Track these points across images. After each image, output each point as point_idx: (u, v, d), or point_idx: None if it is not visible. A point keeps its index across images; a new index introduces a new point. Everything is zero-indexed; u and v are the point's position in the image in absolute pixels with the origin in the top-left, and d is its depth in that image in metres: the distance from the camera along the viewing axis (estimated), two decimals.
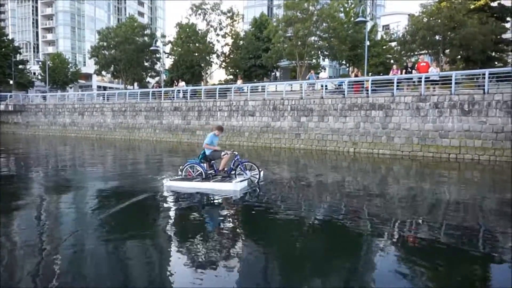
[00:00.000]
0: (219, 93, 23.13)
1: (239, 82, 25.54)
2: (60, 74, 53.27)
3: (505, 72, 18.45)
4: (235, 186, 8.38)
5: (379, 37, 43.61)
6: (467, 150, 14.79)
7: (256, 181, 9.15)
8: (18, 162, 15.30)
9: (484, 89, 14.76)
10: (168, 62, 47.76)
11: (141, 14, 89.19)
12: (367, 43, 24.37)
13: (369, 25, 34.09)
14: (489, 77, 14.96)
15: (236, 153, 9.31)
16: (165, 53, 44.16)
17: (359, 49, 35.33)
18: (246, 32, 44.92)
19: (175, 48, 40.18)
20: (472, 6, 28.60)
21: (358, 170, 13.56)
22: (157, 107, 25.57)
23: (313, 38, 33.56)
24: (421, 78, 16.36)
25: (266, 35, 37.27)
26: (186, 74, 41.95)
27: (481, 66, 27.19)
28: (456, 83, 15.62)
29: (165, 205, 7.66)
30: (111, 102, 28.67)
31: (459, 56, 30.04)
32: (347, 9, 37.20)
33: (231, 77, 43.83)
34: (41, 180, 10.80)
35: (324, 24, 32.30)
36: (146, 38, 45.43)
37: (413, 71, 18.14)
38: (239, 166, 9.12)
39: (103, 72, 49.39)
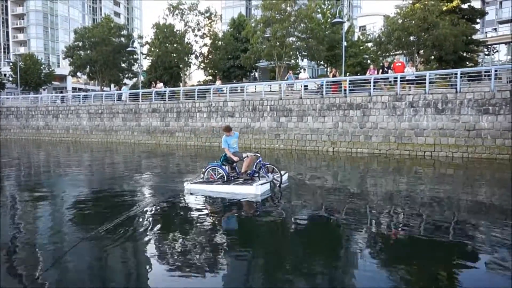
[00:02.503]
0: (198, 94, 22.96)
1: (218, 82, 25.41)
2: (33, 76, 51.57)
3: (475, 71, 19.20)
4: (256, 189, 8.10)
5: (356, 37, 44.38)
6: (441, 147, 15.22)
7: (278, 184, 8.86)
8: None
9: (456, 88, 15.23)
10: (145, 63, 47.07)
11: (117, 14, 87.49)
12: (344, 43, 24.77)
13: (346, 26, 34.63)
14: (461, 77, 15.44)
15: (259, 155, 9.03)
16: (143, 54, 43.49)
17: (337, 50, 35.84)
18: (224, 33, 44.78)
19: (152, 49, 39.59)
20: (444, 8, 29.46)
21: (347, 170, 13.73)
22: (134, 109, 25.14)
23: (291, 38, 33.76)
24: (396, 78, 16.73)
25: (244, 35, 37.24)
26: (164, 75, 41.43)
27: (453, 66, 28.10)
28: (430, 82, 16.06)
29: (184, 208, 7.60)
30: (87, 104, 27.97)
31: (433, 57, 30.89)
32: (324, 10, 37.68)
33: (210, 78, 43.58)
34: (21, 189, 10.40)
35: (301, 25, 32.56)
36: (123, 39, 44.63)
37: (389, 71, 18.52)
38: (262, 168, 8.87)
39: (79, 74, 48.16)
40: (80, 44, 44.00)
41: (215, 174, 8.90)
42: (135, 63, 46.00)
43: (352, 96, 17.48)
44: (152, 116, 24.31)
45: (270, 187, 8.59)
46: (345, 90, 17.87)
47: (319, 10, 36.27)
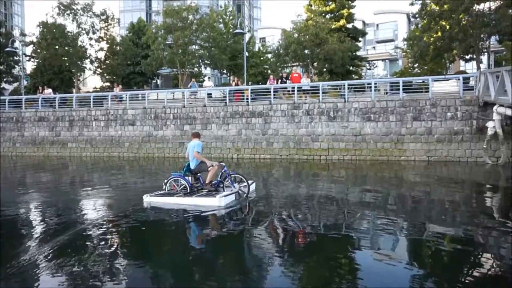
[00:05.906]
0: (94, 101, 21.29)
1: (117, 89, 23.97)
2: None
3: (360, 83, 21.70)
4: (220, 201, 7.64)
5: (256, 48, 46.30)
6: (334, 151, 16.75)
7: (245, 195, 8.50)
8: None
9: (345, 98, 16.98)
10: (30, 66, 41.94)
11: None
12: (246, 53, 25.64)
13: (247, 37, 35.91)
14: (348, 88, 17.28)
15: (224, 164, 8.59)
16: (26, 55, 38.67)
17: (239, 59, 36.85)
18: (123, 37, 42.51)
19: (38, 51, 35.49)
20: (333, 26, 32.64)
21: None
22: (16, 117, 22.18)
23: (193, 46, 33.69)
24: (294, 87, 17.94)
25: (145, 41, 35.92)
26: (53, 80, 37.49)
27: (342, 78, 31.27)
28: (323, 92, 17.62)
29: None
30: None
31: (325, 69, 33.90)
32: (226, 20, 38.53)
33: (108, 84, 40.83)
34: None
35: (204, 34, 32.76)
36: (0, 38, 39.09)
37: (287, 81, 19.76)
38: (227, 178, 8.43)
39: None
40: None
41: (177, 185, 8.36)
42: (16, 66, 40.64)
43: (254, 105, 18.17)
44: (39, 125, 21.75)
45: (236, 198, 8.29)
46: (247, 98, 18.49)
47: (220, 20, 36.94)
